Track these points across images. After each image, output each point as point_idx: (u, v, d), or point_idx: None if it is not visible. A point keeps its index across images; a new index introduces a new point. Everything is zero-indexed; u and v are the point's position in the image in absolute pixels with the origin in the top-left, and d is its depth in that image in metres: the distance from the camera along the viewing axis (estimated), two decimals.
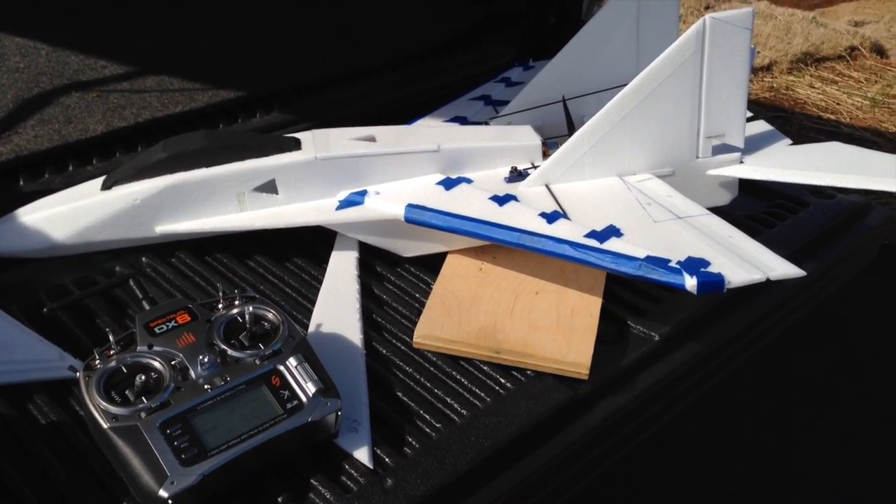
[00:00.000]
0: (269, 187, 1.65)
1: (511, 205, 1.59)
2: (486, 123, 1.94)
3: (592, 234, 1.48)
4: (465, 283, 1.62)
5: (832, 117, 4.29)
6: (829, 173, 1.59)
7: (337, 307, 1.55)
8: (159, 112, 2.06)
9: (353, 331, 1.49)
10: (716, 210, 1.62)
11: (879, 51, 5.06)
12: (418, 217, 1.59)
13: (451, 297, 1.58)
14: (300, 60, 2.37)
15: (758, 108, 4.32)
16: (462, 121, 1.98)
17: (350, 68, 2.39)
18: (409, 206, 1.60)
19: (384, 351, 1.47)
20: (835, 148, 1.71)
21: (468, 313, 1.53)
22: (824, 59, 4.91)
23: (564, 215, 1.55)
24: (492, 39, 2.64)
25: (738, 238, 1.46)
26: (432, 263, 1.67)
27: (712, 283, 1.34)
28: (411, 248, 1.68)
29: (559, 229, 1.51)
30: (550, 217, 1.54)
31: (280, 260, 1.69)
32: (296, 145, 1.67)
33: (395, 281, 1.66)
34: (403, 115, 2.05)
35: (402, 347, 1.49)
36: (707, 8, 5.53)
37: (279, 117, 2.20)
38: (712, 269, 1.37)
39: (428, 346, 1.47)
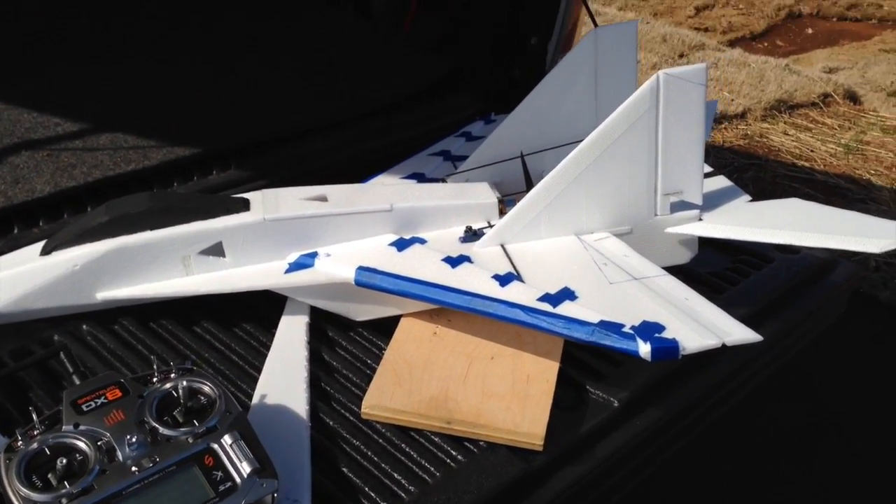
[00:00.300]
0: (216, 250, 1.59)
1: (464, 266, 1.54)
2: (444, 180, 1.91)
3: (546, 298, 1.43)
4: (418, 348, 1.56)
5: (806, 164, 4.29)
6: (788, 231, 1.55)
7: (283, 376, 1.49)
8: (111, 171, 2.02)
9: (298, 401, 1.43)
10: (677, 268, 1.58)
11: (852, 97, 5.10)
12: (368, 280, 1.54)
13: (402, 363, 1.52)
14: (258, 116, 2.34)
15: (732, 155, 4.33)
16: (419, 177, 1.95)
17: (310, 123, 2.35)
18: (360, 268, 1.55)
19: (331, 422, 1.41)
20: (795, 205, 1.67)
21: (420, 381, 1.48)
22: (798, 106, 4.94)
23: (518, 277, 1.51)
24: (455, 93, 2.62)
25: (694, 300, 1.42)
26: (386, 327, 1.62)
27: (666, 350, 1.29)
28: (363, 311, 1.63)
29: (512, 293, 1.46)
30: (504, 279, 1.49)
31: (227, 326, 1.63)
32: (244, 206, 1.62)
33: (347, 346, 1.61)
34: (364, 170, 2.02)
35: (351, 418, 1.43)
36: (681, 56, 5.57)
37: (236, 175, 2.15)
38: (667, 334, 1.32)
39: (376, 417, 1.41)
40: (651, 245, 1.65)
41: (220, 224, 1.59)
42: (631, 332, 1.33)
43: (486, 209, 1.69)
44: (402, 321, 1.62)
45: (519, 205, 1.60)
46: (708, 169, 1.85)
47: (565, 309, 1.40)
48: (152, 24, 2.59)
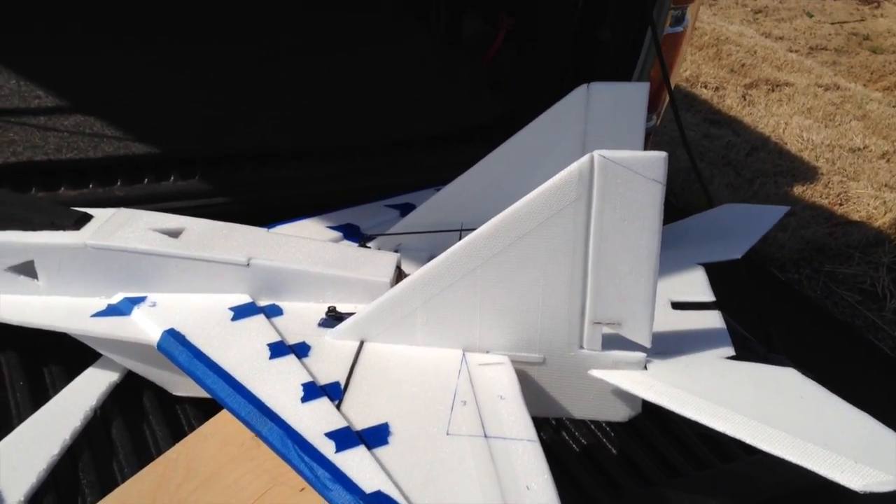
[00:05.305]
0: (27, 270, 1.29)
1: (284, 361, 1.15)
2: (364, 240, 1.50)
3: (338, 434, 1.01)
4: (219, 450, 1.18)
5: None
6: (753, 423, 1.03)
7: (32, 445, 1.16)
8: (43, 155, 1.78)
9: (19, 486, 1.10)
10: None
11: None
12: (170, 349, 1.18)
13: (182, 466, 1.14)
14: (250, 128, 2.01)
15: None
16: (348, 231, 1.55)
17: (305, 145, 2.01)
18: (169, 331, 1.20)
19: None
20: (788, 381, 1.13)
21: (186, 497, 1.10)
22: None
23: (340, 392, 1.09)
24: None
25: (536, 493, 0.94)
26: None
27: None
28: (181, 385, 1.27)
29: (307, 414, 1.05)
30: (313, 391, 1.08)
31: (28, 354, 1.32)
32: (76, 223, 1.31)
33: (147, 426, 1.25)
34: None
35: None
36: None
37: (195, 186, 1.85)
38: None
39: None
40: (570, 387, 1.19)
41: (35, 239, 1.28)
42: None
43: (373, 289, 1.28)
44: (223, 412, 1.24)
45: (388, 294, 1.18)
46: (706, 297, 1.35)
47: (348, 459, 0.97)
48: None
